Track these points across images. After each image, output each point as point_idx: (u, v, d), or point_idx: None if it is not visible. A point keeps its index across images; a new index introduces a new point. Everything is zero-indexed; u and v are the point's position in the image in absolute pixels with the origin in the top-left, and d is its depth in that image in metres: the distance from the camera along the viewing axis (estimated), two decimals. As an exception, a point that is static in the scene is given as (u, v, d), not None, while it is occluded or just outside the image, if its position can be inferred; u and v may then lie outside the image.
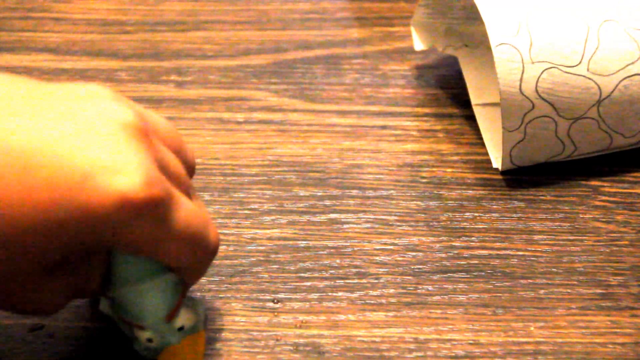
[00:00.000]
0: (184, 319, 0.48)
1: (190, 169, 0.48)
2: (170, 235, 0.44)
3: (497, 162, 0.60)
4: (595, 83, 0.56)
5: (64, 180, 0.41)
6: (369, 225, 0.56)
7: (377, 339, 0.51)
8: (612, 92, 0.57)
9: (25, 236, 0.41)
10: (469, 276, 0.54)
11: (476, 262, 0.54)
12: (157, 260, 0.46)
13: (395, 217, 0.57)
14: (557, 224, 0.56)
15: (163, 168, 0.44)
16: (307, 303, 0.52)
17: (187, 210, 0.44)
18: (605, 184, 0.59)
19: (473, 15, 0.64)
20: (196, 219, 0.45)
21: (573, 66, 0.56)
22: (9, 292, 0.44)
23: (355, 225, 0.56)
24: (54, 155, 0.41)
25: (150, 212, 0.42)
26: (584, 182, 0.59)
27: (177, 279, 0.47)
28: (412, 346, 0.50)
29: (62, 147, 0.41)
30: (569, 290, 0.53)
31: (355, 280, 0.53)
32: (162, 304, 0.47)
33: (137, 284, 0.46)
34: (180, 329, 0.48)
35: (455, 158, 0.61)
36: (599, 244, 0.55)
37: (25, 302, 0.44)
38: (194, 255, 0.46)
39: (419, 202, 0.58)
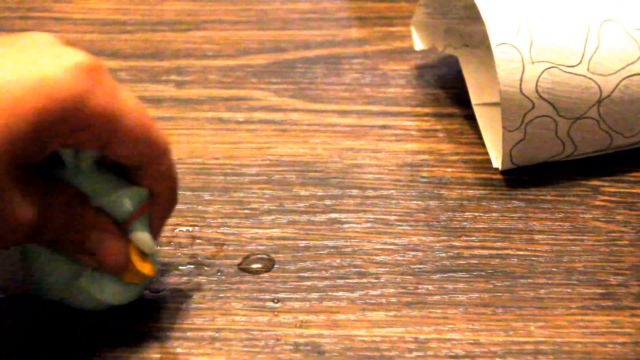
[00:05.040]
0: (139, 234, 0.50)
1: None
2: (126, 118, 0.46)
3: (497, 162, 0.60)
4: (596, 83, 0.56)
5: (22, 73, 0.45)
6: (369, 225, 0.56)
7: (377, 339, 0.51)
8: (613, 92, 0.57)
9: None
10: (469, 276, 0.54)
11: (476, 261, 0.54)
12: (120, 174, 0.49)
13: (395, 217, 0.57)
14: (557, 223, 0.56)
15: None
16: (307, 303, 0.52)
17: (137, 104, 0.47)
18: (605, 184, 0.59)
19: (473, 15, 0.64)
20: (146, 114, 0.47)
21: (573, 66, 0.56)
22: None
23: (355, 225, 0.56)
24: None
25: (105, 78, 0.46)
26: (584, 182, 0.59)
27: (140, 192, 0.49)
28: (412, 346, 0.50)
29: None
30: (569, 290, 0.53)
31: (356, 280, 0.53)
32: (122, 211, 0.49)
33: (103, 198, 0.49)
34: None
35: (455, 158, 0.61)
36: (599, 243, 0.55)
37: None
38: (149, 148, 0.47)
39: (419, 202, 0.58)
